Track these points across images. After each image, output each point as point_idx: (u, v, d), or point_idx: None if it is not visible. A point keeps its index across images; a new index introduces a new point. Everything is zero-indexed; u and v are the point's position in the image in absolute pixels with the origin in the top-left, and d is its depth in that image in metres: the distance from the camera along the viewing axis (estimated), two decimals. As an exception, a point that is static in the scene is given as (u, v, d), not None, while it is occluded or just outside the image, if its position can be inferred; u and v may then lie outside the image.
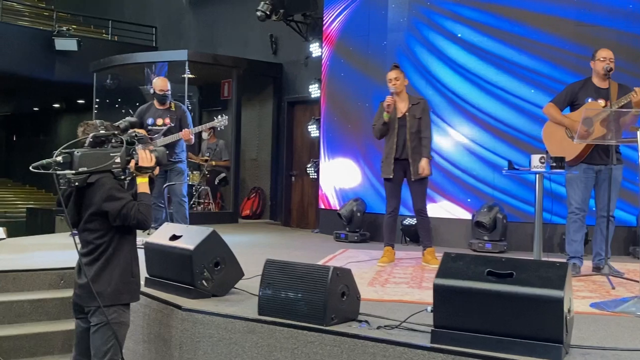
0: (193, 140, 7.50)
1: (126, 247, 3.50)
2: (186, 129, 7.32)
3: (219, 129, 8.25)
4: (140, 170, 3.51)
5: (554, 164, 4.79)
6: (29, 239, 8.14)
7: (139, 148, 3.49)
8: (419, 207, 6.16)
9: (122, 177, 3.48)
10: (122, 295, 3.43)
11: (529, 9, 7.51)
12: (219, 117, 7.61)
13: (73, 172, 3.26)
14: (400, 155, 6.11)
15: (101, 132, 3.48)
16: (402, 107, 6.17)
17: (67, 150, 3.31)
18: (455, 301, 3.13)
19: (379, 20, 8.37)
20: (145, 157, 3.48)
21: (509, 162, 5.02)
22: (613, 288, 4.83)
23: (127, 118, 3.95)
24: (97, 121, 3.64)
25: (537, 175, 4.93)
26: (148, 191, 3.55)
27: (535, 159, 4.79)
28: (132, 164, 3.47)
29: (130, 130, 3.71)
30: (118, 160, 3.39)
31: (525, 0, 7.55)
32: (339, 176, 8.72)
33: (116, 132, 3.52)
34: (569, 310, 3.04)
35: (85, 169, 3.29)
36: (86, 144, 3.44)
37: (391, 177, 6.15)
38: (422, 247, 6.32)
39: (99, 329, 3.38)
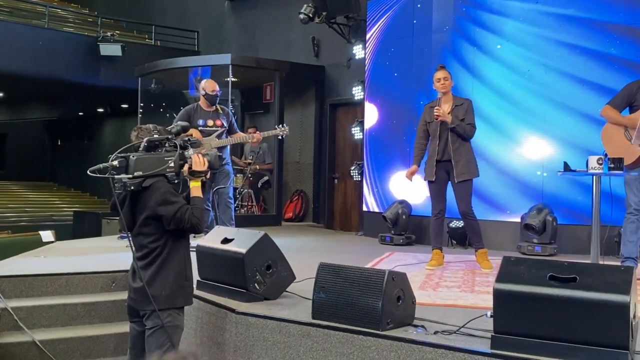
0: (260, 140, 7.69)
1: (180, 250, 3.53)
2: (257, 134, 7.46)
3: (279, 137, 8.31)
4: (193, 174, 3.54)
5: (612, 165, 4.67)
6: (77, 242, 8.25)
7: (192, 152, 3.52)
8: (463, 209, 6.07)
9: (176, 180, 3.50)
10: (176, 298, 3.45)
11: (580, 5, 7.35)
12: (281, 126, 7.70)
13: (129, 176, 3.29)
14: (442, 157, 6.04)
15: (155, 136, 3.52)
16: (446, 108, 6.09)
17: (122, 155, 3.34)
18: (516, 306, 3.07)
19: (424, 21, 8.31)
20: (198, 161, 3.52)
21: (565, 164, 4.92)
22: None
23: (179, 122, 3.98)
24: (151, 125, 3.68)
25: (595, 177, 4.82)
26: (201, 195, 3.58)
27: (593, 160, 4.68)
28: (186, 168, 3.50)
29: (183, 135, 3.73)
30: (172, 164, 3.43)
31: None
32: (383, 178, 8.67)
33: (169, 137, 3.55)
34: (634, 316, 2.96)
35: (140, 172, 3.33)
36: (140, 148, 3.47)
37: (434, 179, 6.09)
38: (473, 249, 6.24)
39: (154, 332, 3.41)
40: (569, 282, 2.99)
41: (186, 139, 3.62)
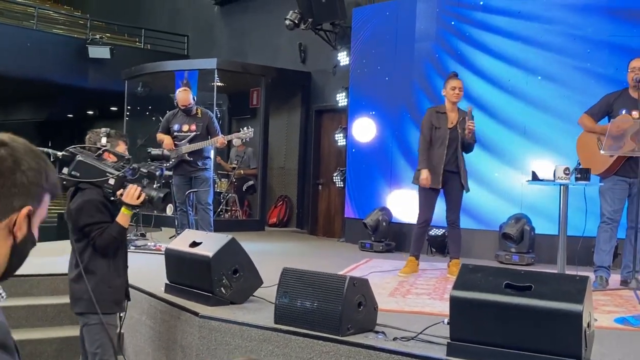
0: (224, 145, 7.67)
1: (103, 259, 3.47)
2: (220, 137, 7.44)
3: (243, 141, 8.29)
4: (124, 203, 3.41)
5: (579, 175, 4.70)
6: (58, 243, 8.22)
7: (132, 185, 3.38)
8: (453, 218, 6.09)
9: (112, 198, 3.41)
10: (99, 304, 3.34)
11: (559, 18, 7.40)
12: (245, 128, 7.69)
13: (64, 174, 3.26)
14: (447, 166, 6.02)
15: (92, 145, 3.46)
16: (453, 117, 6.07)
17: (72, 150, 3.31)
18: (472, 314, 3.08)
19: (407, 31, 8.35)
20: (132, 195, 3.38)
21: (533, 173, 4.94)
22: (640, 303, 4.72)
23: (152, 151, 3.99)
24: (103, 130, 3.59)
25: (562, 187, 4.85)
26: (125, 225, 3.47)
27: (560, 170, 4.71)
28: (119, 193, 3.39)
29: (145, 163, 3.63)
30: (112, 182, 3.35)
31: (555, 9, 7.44)
32: (365, 185, 8.68)
33: (124, 161, 3.45)
34: (588, 325, 2.97)
35: (77, 174, 3.28)
36: (96, 154, 3.42)
37: (439, 187, 6.02)
38: (449, 258, 6.25)
39: (86, 331, 3.48)
40: (525, 291, 3.00)
41: (146, 170, 3.49)
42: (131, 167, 3.41)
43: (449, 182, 6.04)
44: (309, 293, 3.60)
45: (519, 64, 7.54)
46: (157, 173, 3.48)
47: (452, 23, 7.97)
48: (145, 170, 3.43)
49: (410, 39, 8.30)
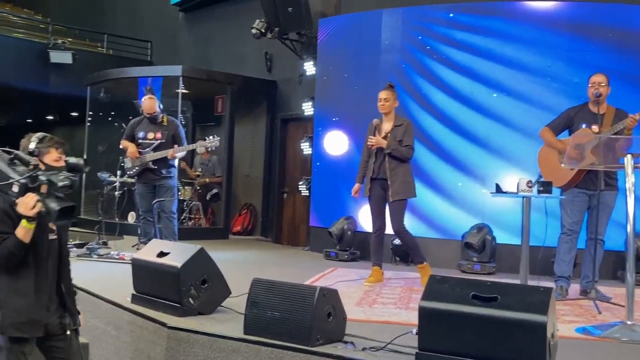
0: (176, 157, 7.54)
1: (3, 276, 3.19)
2: (172, 150, 7.36)
3: (209, 149, 8.25)
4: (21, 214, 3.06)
5: (541, 188, 4.82)
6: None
7: (29, 193, 3.03)
8: (396, 228, 6.16)
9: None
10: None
11: (522, 33, 7.59)
12: (211, 137, 7.64)
13: None
14: (377, 175, 6.14)
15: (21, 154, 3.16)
16: (387, 127, 6.20)
17: None
18: (440, 324, 3.14)
19: (372, 42, 8.44)
20: (26, 204, 3.02)
21: (497, 185, 5.05)
22: (599, 313, 4.85)
23: (69, 159, 3.37)
24: (37, 134, 3.33)
25: (524, 199, 4.96)
26: (23, 238, 3.07)
27: (523, 182, 4.82)
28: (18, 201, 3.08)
29: (52, 172, 3.16)
30: (16, 189, 3.04)
31: (516, 26, 7.62)
32: (331, 194, 8.73)
33: (29, 166, 3.10)
34: (552, 335, 3.05)
35: None
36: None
37: (368, 195, 6.21)
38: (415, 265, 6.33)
39: None
40: (491, 302, 3.08)
41: (45, 178, 3.07)
42: (29, 175, 3.04)
43: (385, 192, 6.14)
44: (278, 303, 3.62)
45: (481, 78, 7.71)
46: (60, 184, 3.07)
47: (419, 37, 8.09)
48: (44, 179, 3.06)
49: (376, 51, 8.40)
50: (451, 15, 7.95)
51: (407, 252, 7.66)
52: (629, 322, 4.07)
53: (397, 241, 7.76)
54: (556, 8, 7.59)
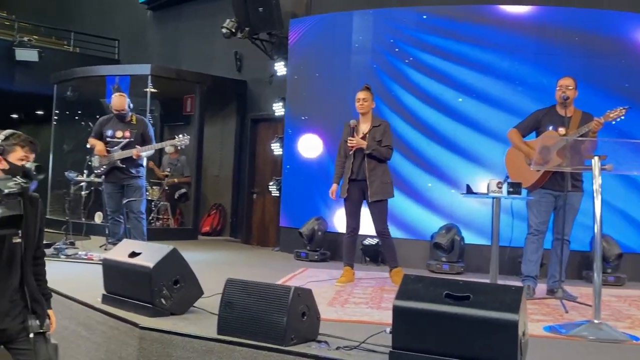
0: (141, 157, 7.45)
1: None
2: (136, 149, 7.29)
3: (179, 148, 8.20)
4: None
5: (511, 189, 4.90)
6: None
7: None
8: (379, 228, 6.21)
9: None
10: None
11: (491, 37, 7.70)
12: (181, 135, 7.58)
13: None
14: (357, 176, 6.16)
15: None
16: (364, 128, 6.23)
17: None
18: (414, 323, 3.18)
19: (343, 43, 8.48)
20: None
21: (468, 186, 5.12)
22: (566, 312, 4.95)
23: (26, 163, 3.25)
24: (4, 132, 3.29)
25: (494, 200, 5.04)
26: None
27: (493, 183, 4.90)
28: None
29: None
30: None
31: (485, 29, 7.73)
32: (301, 194, 8.74)
33: None
34: (523, 334, 3.11)
35: None
36: None
37: (346, 196, 6.20)
38: (388, 268, 6.35)
39: None
40: (463, 300, 3.12)
41: None
42: None
43: (364, 193, 6.17)
44: (252, 303, 3.62)
45: (450, 81, 7.83)
46: (6, 191, 2.93)
47: (390, 40, 8.15)
48: None
49: (346, 52, 8.44)
50: (423, 17, 8.02)
51: (378, 253, 7.76)
52: (596, 321, 4.16)
53: (367, 241, 7.82)
54: (526, 13, 7.71)
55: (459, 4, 8.11)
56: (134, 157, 7.31)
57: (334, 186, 6.33)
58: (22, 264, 3.19)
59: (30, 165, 3.20)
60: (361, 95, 6.24)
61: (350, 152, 6.20)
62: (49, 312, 3.34)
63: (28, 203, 3.14)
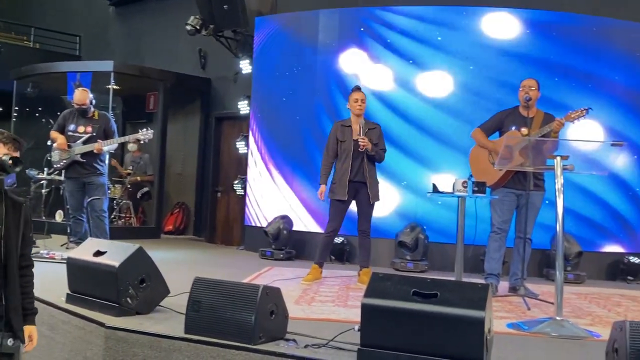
0: (103, 152, 7.31)
1: None
2: (98, 143, 7.18)
3: (142, 142, 8.10)
4: None
5: (476, 188, 4.98)
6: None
7: None
8: (365, 227, 6.25)
9: None
10: None
11: (450, 41, 7.80)
12: (144, 130, 7.50)
13: None
14: (355, 177, 6.13)
15: None
16: (357, 129, 6.16)
17: None
18: (382, 320, 3.20)
19: (310, 42, 8.49)
20: None
21: (434, 185, 5.18)
22: (528, 309, 5.04)
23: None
24: None
25: (460, 199, 5.11)
26: None
27: (459, 183, 4.97)
28: None
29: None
30: None
31: (448, 34, 7.82)
32: (266, 193, 8.73)
33: None
34: (489, 331, 3.16)
35: None
36: None
37: (345, 198, 6.13)
38: (358, 267, 6.39)
39: None
40: (431, 298, 3.16)
41: None
42: None
43: (358, 193, 6.18)
44: (220, 302, 3.61)
45: (412, 84, 7.90)
46: None
47: (356, 39, 8.18)
48: None
49: (313, 51, 8.45)
50: (389, 17, 8.07)
51: (344, 251, 7.81)
52: (558, 318, 4.25)
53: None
54: (490, 16, 7.83)
55: (426, 4, 8.18)
56: (95, 151, 7.20)
57: (323, 187, 6.21)
58: (4, 271, 3.00)
59: (5, 157, 3.06)
60: (359, 96, 6.19)
61: (348, 153, 6.12)
62: (30, 328, 3.14)
63: (10, 206, 3.01)
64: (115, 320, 3.96)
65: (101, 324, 3.89)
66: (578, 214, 7.49)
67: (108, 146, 7.36)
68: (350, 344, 3.45)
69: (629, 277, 7.41)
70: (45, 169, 8.47)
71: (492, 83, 7.63)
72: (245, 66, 9.70)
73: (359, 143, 6.04)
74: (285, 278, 6.34)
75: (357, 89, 6.32)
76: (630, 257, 7.48)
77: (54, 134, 7.48)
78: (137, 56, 12.35)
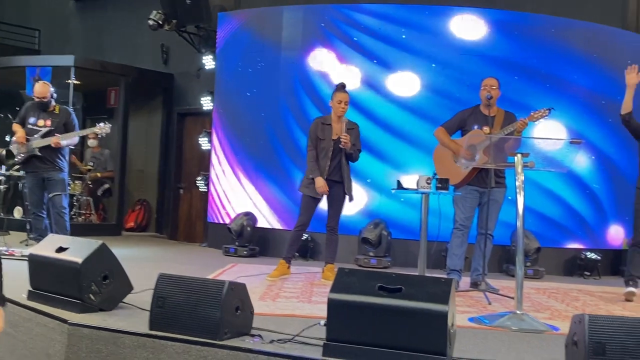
0: (61, 145, 7.18)
1: None
2: (54, 137, 7.06)
3: (100, 136, 7.99)
4: None
5: (439, 185, 5.04)
6: None
7: None
8: (332, 224, 6.28)
9: None
10: None
11: (421, 36, 7.88)
12: (102, 124, 7.39)
13: None
14: (330, 175, 6.14)
15: None
16: (338, 129, 6.15)
17: None
18: (348, 315, 3.24)
19: (273, 38, 8.48)
20: None
21: (398, 182, 5.24)
22: (489, 303, 5.14)
23: None
24: None
25: (423, 195, 5.18)
26: None
27: (422, 179, 5.03)
28: None
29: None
30: None
31: (413, 33, 7.90)
32: (229, 190, 8.70)
33: None
34: (452, 324, 3.22)
35: None
36: None
37: (319, 197, 6.15)
38: (323, 263, 6.42)
39: None
40: (396, 292, 3.21)
41: None
42: None
43: (331, 191, 6.17)
44: (185, 298, 3.60)
45: (377, 82, 7.96)
46: None
47: (320, 36, 8.20)
48: None
49: (276, 47, 8.45)
50: (353, 14, 8.11)
51: (307, 248, 7.83)
52: (518, 312, 4.34)
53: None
54: (453, 15, 7.93)
55: (389, 2, 8.25)
56: (53, 145, 7.06)
57: (320, 179, 6.07)
58: None
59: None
60: (344, 97, 6.09)
61: (327, 152, 6.10)
62: None
63: None
64: (78, 317, 3.91)
65: (64, 321, 3.84)
66: (537, 212, 7.64)
67: (67, 140, 7.22)
68: (315, 338, 3.48)
69: (585, 273, 7.60)
70: (3, 166, 8.30)
71: (454, 82, 7.73)
72: (208, 62, 9.65)
73: (341, 140, 6.02)
74: (250, 274, 6.33)
75: (342, 88, 6.18)
76: (587, 253, 7.68)
77: (15, 126, 7.34)
78: (99, 51, 12.17)
